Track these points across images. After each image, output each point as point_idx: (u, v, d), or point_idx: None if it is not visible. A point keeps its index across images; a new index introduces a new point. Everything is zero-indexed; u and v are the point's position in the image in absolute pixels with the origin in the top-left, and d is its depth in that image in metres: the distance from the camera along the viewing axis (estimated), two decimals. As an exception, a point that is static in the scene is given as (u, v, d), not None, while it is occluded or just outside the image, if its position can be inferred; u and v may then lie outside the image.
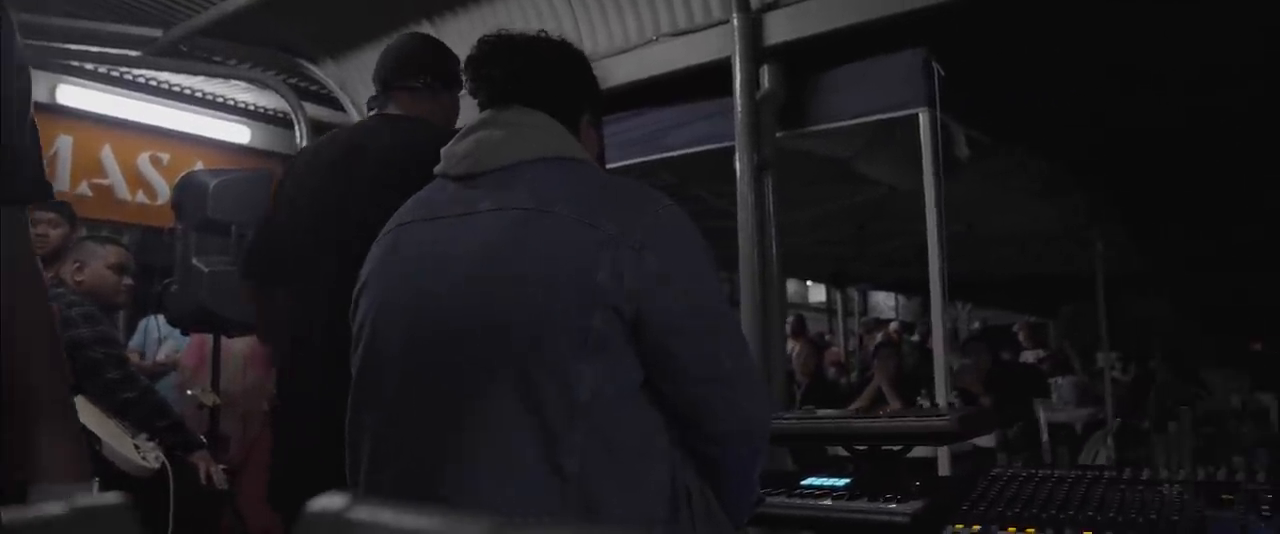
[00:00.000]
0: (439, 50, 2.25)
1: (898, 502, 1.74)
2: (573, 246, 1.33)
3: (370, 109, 2.28)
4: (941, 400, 3.36)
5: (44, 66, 5.35)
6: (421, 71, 2.16)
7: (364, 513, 0.49)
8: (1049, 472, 1.76)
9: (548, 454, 1.29)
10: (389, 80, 2.18)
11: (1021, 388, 5.90)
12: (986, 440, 4.71)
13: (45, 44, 4.76)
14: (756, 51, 3.53)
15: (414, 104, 2.15)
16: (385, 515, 0.47)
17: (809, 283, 12.87)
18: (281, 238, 2.14)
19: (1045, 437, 4.99)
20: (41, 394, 1.06)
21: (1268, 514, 1.36)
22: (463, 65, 1.62)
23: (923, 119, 3.43)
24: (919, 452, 3.00)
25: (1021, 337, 9.03)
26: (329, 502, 0.51)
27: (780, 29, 3.55)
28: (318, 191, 2.08)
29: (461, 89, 2.08)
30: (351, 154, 2.07)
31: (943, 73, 3.45)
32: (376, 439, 1.43)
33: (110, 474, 2.81)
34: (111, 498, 0.47)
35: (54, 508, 0.45)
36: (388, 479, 1.40)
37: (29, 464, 1.02)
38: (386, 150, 2.00)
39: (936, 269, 3.31)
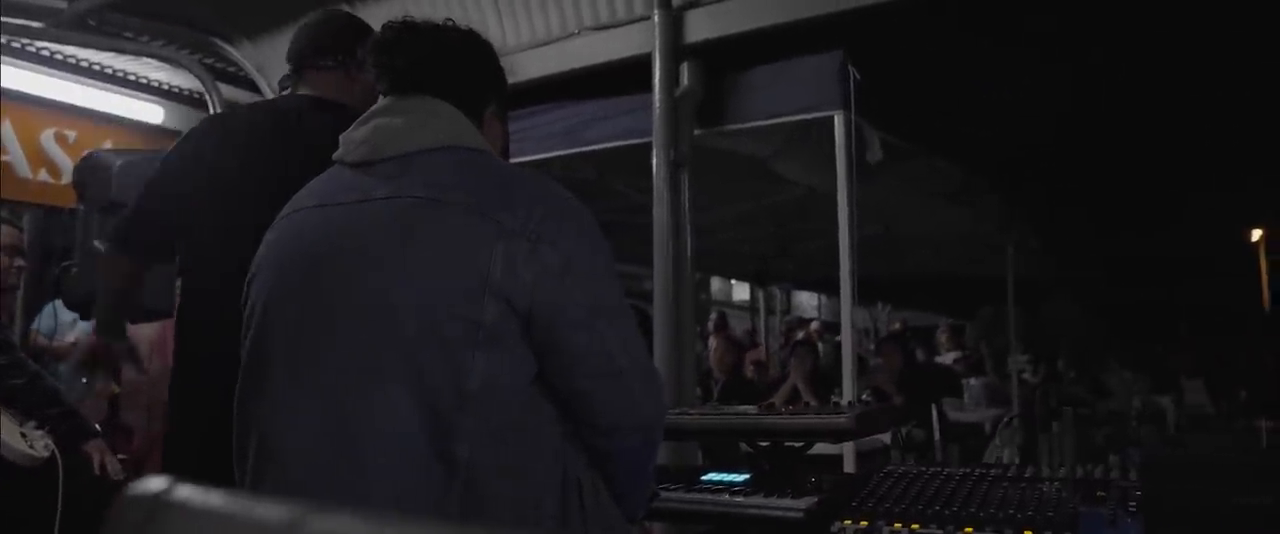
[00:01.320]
0: (357, 29, 2.18)
1: (793, 497, 1.77)
2: (467, 237, 1.32)
3: (282, 88, 2.21)
4: (850, 399, 3.43)
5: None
6: (336, 50, 2.10)
7: (180, 494, 0.48)
8: (939, 469, 1.80)
9: (436, 443, 1.28)
10: (303, 59, 2.12)
11: (933, 388, 6.05)
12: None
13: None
14: (676, 48, 3.55)
15: (327, 84, 2.09)
16: (198, 497, 0.47)
17: (733, 281, 13.00)
18: (179, 213, 2.06)
19: (938, 436, 5.13)
20: None
21: (1134, 509, 1.42)
22: (367, 50, 1.59)
23: (837, 121, 3.49)
24: (826, 450, 3.06)
25: (943, 339, 9.23)
26: (148, 483, 0.50)
27: (701, 27, 3.58)
28: (238, 169, 1.99)
29: None
30: (278, 135, 2.00)
31: (859, 76, 3.51)
32: (264, 430, 1.40)
33: (-3, 463, 2.70)
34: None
35: None
36: (274, 471, 1.37)
37: None
38: (317, 134, 1.94)
39: (847, 269, 3.37)
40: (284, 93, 2.21)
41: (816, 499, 1.75)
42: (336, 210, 1.43)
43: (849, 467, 3.35)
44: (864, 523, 1.56)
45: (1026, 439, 5.28)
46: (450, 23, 1.58)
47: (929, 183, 5.18)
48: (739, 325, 10.63)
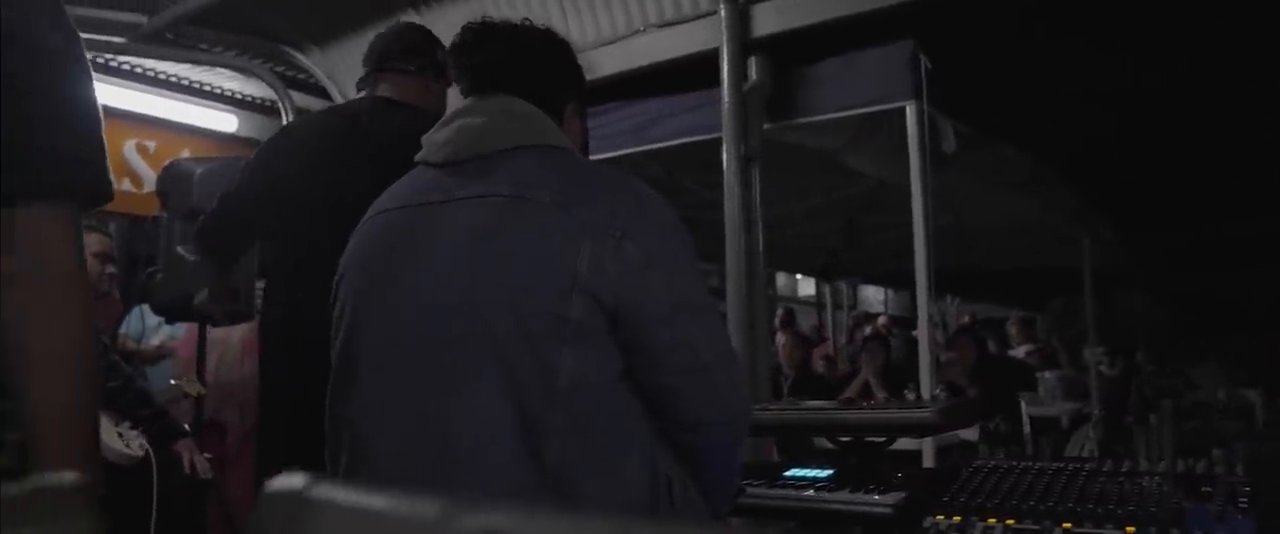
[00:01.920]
0: (431, 40, 2.24)
1: (880, 492, 1.74)
2: (553, 234, 1.33)
3: (358, 91, 2.26)
4: (927, 393, 3.37)
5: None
6: (414, 57, 2.15)
7: (323, 492, 0.49)
8: (1031, 464, 1.76)
9: (527, 442, 1.29)
10: (381, 62, 2.17)
11: (1008, 381, 5.91)
12: (971, 434, 4.72)
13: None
14: (744, 43, 3.53)
15: (404, 88, 2.14)
16: (343, 494, 0.47)
17: (799, 276, 12.89)
18: (254, 218, 2.12)
19: (1028, 429, 5.00)
20: (55, 413, 1.02)
21: (1244, 507, 1.36)
22: (447, 52, 1.61)
23: (909, 111, 3.44)
24: (905, 445, 3.01)
25: (1013, 331, 9.03)
26: (288, 481, 0.51)
27: (768, 21, 3.55)
28: (310, 173, 2.05)
29: (451, 84, 2.07)
30: (348, 137, 2.05)
31: (930, 66, 3.45)
32: (356, 431, 1.43)
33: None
34: (67, 478, 0.47)
35: (10, 488, 0.45)
36: (367, 471, 1.39)
37: None
38: (388, 135, 1.97)
39: (923, 261, 3.31)
40: (360, 94, 2.25)
41: (904, 494, 1.72)
42: (422, 211, 1.45)
43: (928, 462, 3.29)
44: (957, 518, 1.53)
45: (1108, 434, 5.14)
46: (528, 23, 1.59)
47: (1001, 173, 5.08)
48: (805, 321, 10.54)
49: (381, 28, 2.35)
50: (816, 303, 12.34)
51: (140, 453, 2.96)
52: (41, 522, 0.43)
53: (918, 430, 2.17)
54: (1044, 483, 1.62)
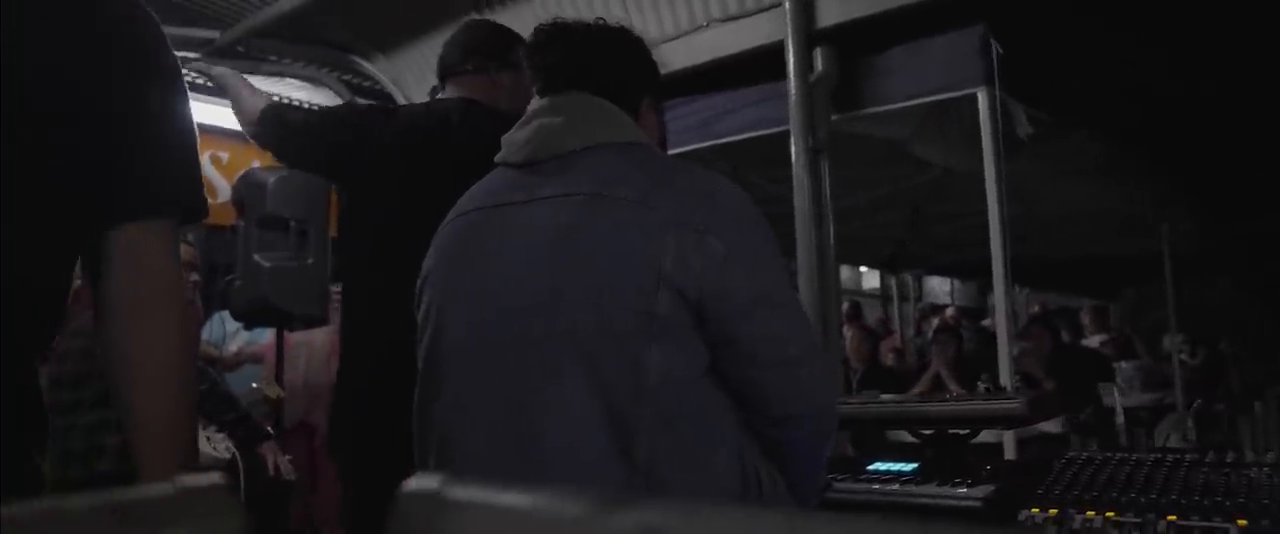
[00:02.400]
0: (491, 32, 2.24)
1: (969, 486, 1.71)
2: (636, 230, 1.33)
3: (432, 98, 2.29)
4: (1005, 384, 3.29)
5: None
6: (471, 55, 2.16)
7: (460, 492, 0.49)
8: (1127, 455, 1.71)
9: (616, 439, 1.29)
10: (447, 68, 2.19)
11: (1085, 371, 5.76)
12: (1052, 425, 4.61)
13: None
14: (809, 34, 3.49)
15: (468, 88, 2.15)
16: (481, 494, 0.47)
17: (862, 269, 12.72)
18: (332, 154, 2.15)
19: (1121, 419, 4.86)
20: (157, 423, 1.05)
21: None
22: (520, 50, 1.62)
23: (981, 98, 3.37)
24: (982, 438, 2.95)
25: (1086, 321, 8.81)
26: (424, 482, 0.51)
27: (832, 11, 3.50)
28: (400, 165, 2.04)
29: (519, 70, 2.08)
30: (437, 135, 2.05)
31: (1001, 50, 3.38)
32: (444, 430, 1.44)
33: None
34: (213, 478, 0.48)
35: (162, 488, 0.46)
36: (455, 470, 1.41)
37: None
38: (470, 133, 1.97)
39: (998, 250, 3.24)
40: (434, 98, 2.27)
41: (994, 487, 1.68)
42: (504, 211, 1.46)
43: (1009, 455, 3.22)
44: (1053, 511, 1.49)
45: (1201, 423, 4.97)
46: (601, 21, 1.60)
47: (1074, 159, 4.95)
48: (869, 314, 10.41)
49: (446, 32, 2.35)
50: (881, 295, 12.16)
51: (227, 456, 3.05)
52: (194, 520, 0.44)
53: (1006, 422, 2.12)
54: (1144, 474, 1.57)
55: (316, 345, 4.28)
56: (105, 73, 1.03)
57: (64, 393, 2.59)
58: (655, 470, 1.29)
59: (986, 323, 8.79)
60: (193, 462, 1.09)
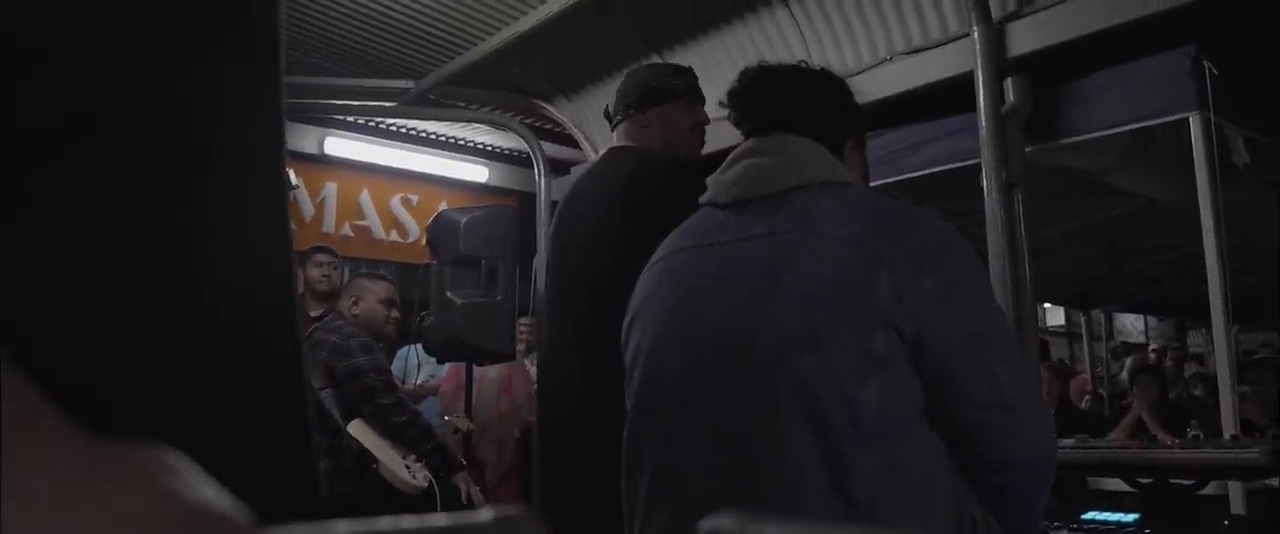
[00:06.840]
0: (633, 75, 2.34)
1: (1204, 543, 1.59)
2: (851, 267, 1.32)
3: None
4: (1228, 432, 3.04)
5: (316, 121, 5.96)
6: (620, 103, 2.26)
7: (765, 528, 0.49)
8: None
9: (834, 479, 1.27)
10: (612, 124, 2.31)
11: (1315, 419, 5.24)
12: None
13: (315, 101, 5.28)
14: (1000, 64, 3.37)
15: (623, 135, 2.25)
16: (789, 529, 0.47)
17: (1046, 306, 12.09)
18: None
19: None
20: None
21: None
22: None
23: (1193, 123, 3.15)
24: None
25: (1310, 364, 8.02)
26: (720, 521, 0.52)
27: (1025, 39, 3.37)
28: (568, 224, 2.21)
29: (671, 100, 2.18)
30: (595, 189, 2.19)
31: (1215, 71, 3.15)
32: (656, 468, 1.45)
33: (386, 491, 3.04)
34: (529, 513, 0.50)
35: (483, 515, 0.48)
36: (670, 506, 1.42)
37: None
38: (611, 180, 2.12)
39: (1217, 284, 3.01)
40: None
41: (1236, 547, 1.55)
42: (715, 250, 1.47)
43: (1236, 508, 2.96)
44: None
45: None
46: (804, 64, 1.61)
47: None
48: (1055, 353, 9.86)
49: (624, 73, 2.45)
50: (1067, 333, 11.52)
51: (424, 484, 3.18)
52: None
53: (1243, 473, 1.96)
54: None
55: (487, 380, 4.44)
56: None
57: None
58: (874, 513, 1.26)
59: (1191, 365, 8.15)
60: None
